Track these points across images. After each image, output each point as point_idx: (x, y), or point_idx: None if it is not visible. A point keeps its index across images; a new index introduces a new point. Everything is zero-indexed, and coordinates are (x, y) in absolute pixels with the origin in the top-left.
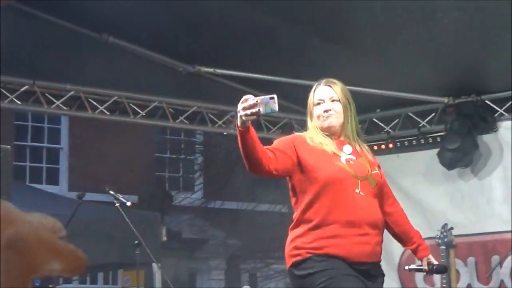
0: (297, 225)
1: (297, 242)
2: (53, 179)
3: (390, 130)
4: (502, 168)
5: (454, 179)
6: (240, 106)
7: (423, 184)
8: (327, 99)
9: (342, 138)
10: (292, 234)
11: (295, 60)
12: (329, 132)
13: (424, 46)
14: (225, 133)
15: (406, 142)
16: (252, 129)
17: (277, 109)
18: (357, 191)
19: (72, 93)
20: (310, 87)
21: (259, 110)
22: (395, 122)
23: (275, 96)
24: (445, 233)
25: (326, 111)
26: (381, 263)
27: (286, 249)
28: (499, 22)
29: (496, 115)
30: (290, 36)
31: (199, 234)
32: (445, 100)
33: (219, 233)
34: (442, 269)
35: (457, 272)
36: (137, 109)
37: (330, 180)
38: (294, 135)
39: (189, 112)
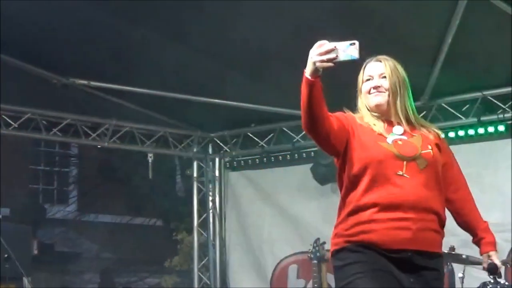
0: (341, 208)
1: (338, 229)
2: None
3: (264, 145)
4: None
5: (327, 194)
6: (314, 51)
7: (297, 199)
8: (376, 75)
9: (392, 119)
10: (338, 218)
11: (170, 74)
12: (378, 111)
13: (301, 61)
14: (99, 146)
15: (280, 156)
16: (320, 81)
17: (358, 56)
18: (400, 173)
19: None
20: (186, 101)
21: (336, 56)
22: (269, 136)
23: (356, 42)
24: (317, 248)
25: (374, 87)
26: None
27: (332, 234)
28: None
29: None
30: (166, 50)
31: (72, 248)
32: None
33: (93, 247)
34: (492, 269)
35: (329, 286)
36: (9, 120)
37: (368, 162)
38: (347, 113)
39: (62, 124)
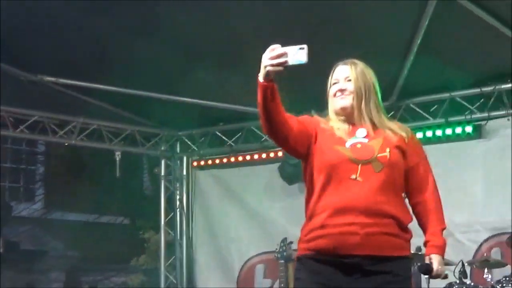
0: (305, 211)
1: (301, 233)
2: None
3: (232, 144)
4: None
5: (294, 194)
6: (266, 55)
7: (265, 198)
8: (342, 79)
9: (357, 122)
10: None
11: (138, 71)
12: (343, 114)
13: None
14: (66, 144)
15: (248, 156)
16: (275, 84)
17: (305, 60)
18: (353, 177)
19: None
20: (154, 99)
21: (286, 61)
22: (237, 135)
23: (305, 46)
24: (284, 247)
25: (339, 90)
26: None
27: None
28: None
29: None
30: (134, 47)
31: (38, 246)
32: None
33: (60, 245)
34: (420, 268)
35: None
36: None
37: (323, 166)
38: (314, 116)
39: (30, 121)
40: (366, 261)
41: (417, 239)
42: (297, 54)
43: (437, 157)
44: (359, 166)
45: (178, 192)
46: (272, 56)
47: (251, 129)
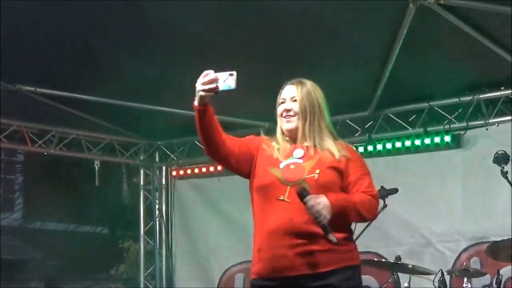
0: None
1: None
2: None
3: None
4: None
5: None
6: (199, 81)
7: (244, 208)
8: (288, 98)
9: (299, 141)
10: None
11: (117, 81)
12: (289, 135)
13: (247, 72)
14: (45, 153)
15: None
16: (211, 108)
17: (234, 86)
18: (281, 198)
19: None
20: (133, 108)
21: (217, 86)
22: None
23: (234, 72)
24: None
25: (285, 110)
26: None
27: None
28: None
29: None
30: (113, 58)
31: (18, 255)
32: (266, 124)
33: (39, 254)
34: (298, 188)
35: None
36: None
37: (257, 188)
38: (260, 136)
39: (8, 131)
40: (303, 280)
41: (396, 248)
42: (227, 80)
43: (416, 166)
44: (288, 187)
45: (157, 202)
46: (204, 81)
47: None
